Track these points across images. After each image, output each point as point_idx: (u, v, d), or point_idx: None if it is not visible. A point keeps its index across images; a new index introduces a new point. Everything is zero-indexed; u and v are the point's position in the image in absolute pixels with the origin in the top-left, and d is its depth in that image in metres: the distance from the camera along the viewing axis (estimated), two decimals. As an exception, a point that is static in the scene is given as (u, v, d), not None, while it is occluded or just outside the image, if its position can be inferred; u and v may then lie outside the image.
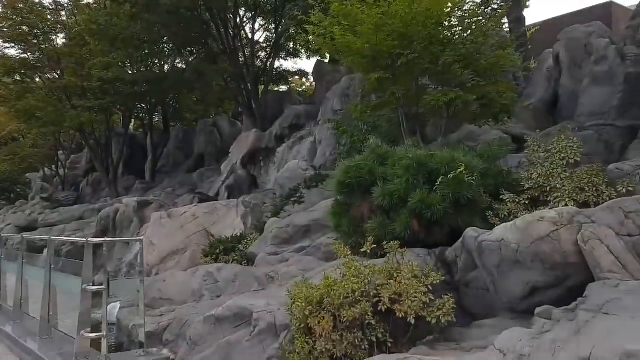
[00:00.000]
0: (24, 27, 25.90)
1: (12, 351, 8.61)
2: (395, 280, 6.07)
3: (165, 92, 24.75)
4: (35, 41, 26.56)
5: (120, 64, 23.44)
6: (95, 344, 7.32)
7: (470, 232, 6.30)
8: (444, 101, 9.43)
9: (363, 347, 5.86)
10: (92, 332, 7.37)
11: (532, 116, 14.12)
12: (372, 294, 6.01)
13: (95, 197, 33.47)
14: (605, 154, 10.12)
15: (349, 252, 6.76)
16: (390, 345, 5.96)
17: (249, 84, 22.02)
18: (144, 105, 30.29)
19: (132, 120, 31.03)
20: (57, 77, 27.60)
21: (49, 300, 8.65)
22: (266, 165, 20.46)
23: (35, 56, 27.23)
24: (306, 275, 8.74)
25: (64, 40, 28.38)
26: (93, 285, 7.58)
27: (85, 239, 8.05)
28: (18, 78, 28.35)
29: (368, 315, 5.78)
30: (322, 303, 6.28)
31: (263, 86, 23.86)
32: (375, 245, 6.71)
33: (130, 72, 23.98)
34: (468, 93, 9.43)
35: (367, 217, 8.01)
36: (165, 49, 23.87)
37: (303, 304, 6.19)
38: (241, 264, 11.05)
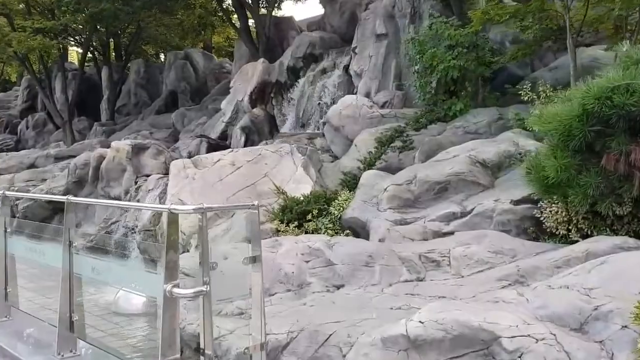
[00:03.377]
0: None
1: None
2: None
3: (135, 14, 20.03)
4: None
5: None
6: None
7: None
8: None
9: None
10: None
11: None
12: None
13: (40, 141, 28.42)
14: None
15: None
16: None
17: (250, 2, 17.91)
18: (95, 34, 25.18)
19: (88, 50, 25.83)
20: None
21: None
22: (279, 103, 16.76)
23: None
24: (520, 265, 5.59)
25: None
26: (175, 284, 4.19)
27: (167, 206, 4.46)
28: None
29: None
30: None
31: (265, 10, 19.73)
32: None
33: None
34: None
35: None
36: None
37: None
38: (337, 234, 7.72)
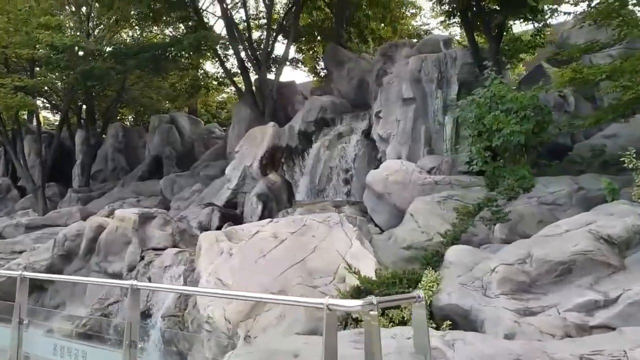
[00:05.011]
0: None
1: None
2: None
3: (126, 73, 18.72)
4: None
5: (70, 28, 17.22)
6: None
7: None
8: None
9: None
10: None
11: None
12: None
13: (3, 209, 25.95)
14: None
15: None
16: None
17: (258, 65, 16.99)
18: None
19: (67, 112, 24.10)
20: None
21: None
22: (290, 169, 15.54)
23: None
24: None
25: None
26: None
27: (323, 301, 3.34)
28: None
29: None
30: None
31: (274, 74, 18.81)
32: None
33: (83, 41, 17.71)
34: None
35: None
36: (135, 15, 17.98)
37: None
38: (441, 328, 6.30)
